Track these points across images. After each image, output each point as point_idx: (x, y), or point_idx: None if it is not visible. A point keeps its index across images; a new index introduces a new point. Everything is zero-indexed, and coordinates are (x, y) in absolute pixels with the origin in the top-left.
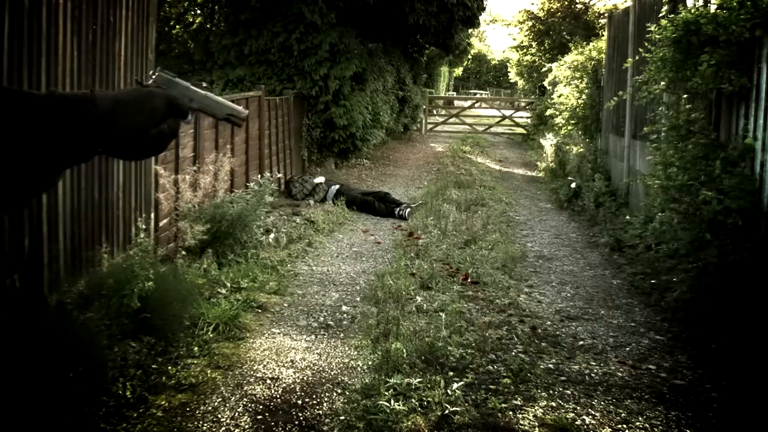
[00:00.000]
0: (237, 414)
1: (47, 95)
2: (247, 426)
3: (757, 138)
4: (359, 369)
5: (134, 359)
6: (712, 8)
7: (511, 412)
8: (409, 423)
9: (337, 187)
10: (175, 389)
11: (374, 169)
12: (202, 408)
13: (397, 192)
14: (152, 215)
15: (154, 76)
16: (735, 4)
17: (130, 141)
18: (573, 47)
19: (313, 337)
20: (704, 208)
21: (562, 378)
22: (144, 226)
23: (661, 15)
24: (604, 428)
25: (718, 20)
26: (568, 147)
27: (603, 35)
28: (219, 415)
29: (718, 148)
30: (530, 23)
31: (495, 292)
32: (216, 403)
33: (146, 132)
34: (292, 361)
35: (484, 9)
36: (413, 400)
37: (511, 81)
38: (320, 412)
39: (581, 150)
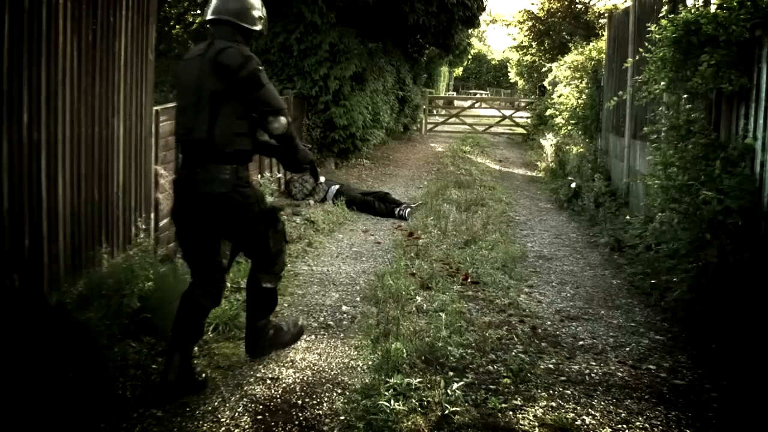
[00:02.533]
0: (237, 414)
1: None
2: (247, 426)
3: (757, 138)
4: (359, 369)
5: (134, 359)
6: (712, 8)
7: (511, 412)
8: (409, 423)
9: (337, 187)
10: None
11: (374, 169)
12: (202, 408)
13: (397, 192)
14: (152, 215)
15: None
16: (735, 4)
17: (299, 167)
18: (573, 47)
19: (313, 337)
20: (704, 208)
21: (562, 378)
22: (144, 226)
23: (661, 15)
24: (604, 428)
25: (718, 20)
26: (568, 147)
27: (603, 35)
28: (219, 415)
29: (718, 148)
30: (530, 23)
31: (495, 292)
32: (216, 403)
33: (301, 165)
34: (292, 361)
35: (484, 9)
36: (413, 400)
37: (511, 81)
38: (320, 412)
39: (581, 150)
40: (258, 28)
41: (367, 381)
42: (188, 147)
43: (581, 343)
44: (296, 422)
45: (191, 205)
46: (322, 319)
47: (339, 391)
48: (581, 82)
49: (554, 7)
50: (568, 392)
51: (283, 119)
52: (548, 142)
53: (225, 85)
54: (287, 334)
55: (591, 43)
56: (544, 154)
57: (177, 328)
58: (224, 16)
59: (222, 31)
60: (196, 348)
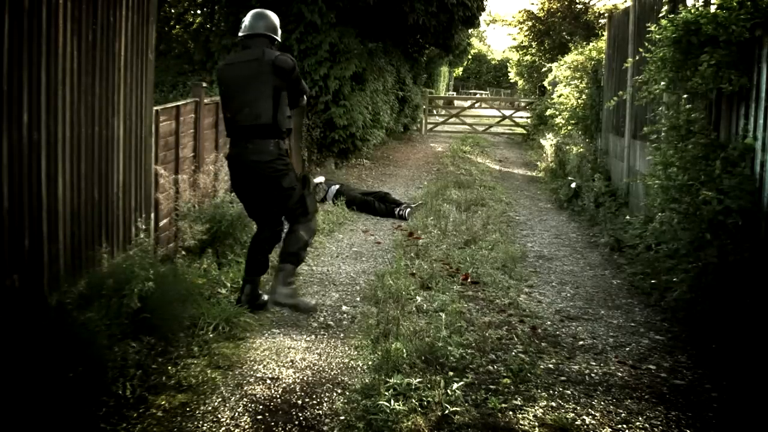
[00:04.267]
0: (237, 414)
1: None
2: (247, 426)
3: (757, 138)
4: (359, 369)
5: (134, 359)
6: (712, 8)
7: (511, 412)
8: (409, 423)
9: (337, 187)
10: (175, 389)
11: (374, 169)
12: (202, 408)
13: (397, 192)
14: (152, 215)
15: None
16: (735, 4)
17: (299, 102)
18: (573, 47)
19: (313, 337)
20: (704, 208)
21: (562, 378)
22: (144, 226)
23: (661, 15)
24: (604, 428)
25: (718, 20)
26: (568, 147)
27: (603, 35)
28: (219, 415)
29: (718, 148)
30: (530, 23)
31: (495, 292)
32: (216, 403)
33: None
34: (292, 361)
35: (484, 9)
36: (413, 400)
37: (511, 81)
38: (320, 412)
39: (581, 150)
40: (280, 39)
41: (367, 381)
42: (246, 130)
43: (581, 343)
44: (296, 422)
45: (245, 173)
46: (322, 319)
47: (339, 391)
48: (581, 82)
49: (554, 7)
50: (568, 392)
51: (306, 96)
52: (548, 142)
53: (282, 82)
54: (302, 301)
55: (591, 43)
56: (544, 154)
57: (249, 265)
58: (261, 31)
59: (259, 42)
60: (196, 348)
